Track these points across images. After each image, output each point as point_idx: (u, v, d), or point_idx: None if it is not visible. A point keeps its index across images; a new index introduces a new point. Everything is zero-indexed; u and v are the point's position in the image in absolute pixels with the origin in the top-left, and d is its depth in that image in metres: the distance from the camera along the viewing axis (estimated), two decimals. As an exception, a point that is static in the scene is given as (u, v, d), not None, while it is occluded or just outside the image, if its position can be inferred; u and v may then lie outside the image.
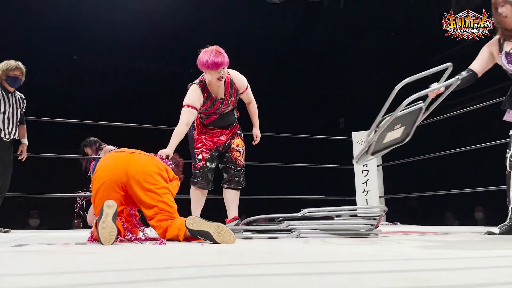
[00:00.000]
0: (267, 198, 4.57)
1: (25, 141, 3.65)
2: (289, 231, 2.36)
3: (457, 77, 2.32)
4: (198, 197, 2.93)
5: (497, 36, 2.53)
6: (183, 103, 2.81)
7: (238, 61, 3.18)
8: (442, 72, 2.09)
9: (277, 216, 2.46)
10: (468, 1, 4.92)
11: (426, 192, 4.83)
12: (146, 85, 7.68)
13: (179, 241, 2.11)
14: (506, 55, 2.46)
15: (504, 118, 2.58)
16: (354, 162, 2.22)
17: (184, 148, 2.88)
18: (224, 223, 2.69)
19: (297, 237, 2.33)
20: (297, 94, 8.37)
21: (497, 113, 2.62)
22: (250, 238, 2.37)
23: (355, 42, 7.75)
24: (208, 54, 2.67)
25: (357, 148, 4.73)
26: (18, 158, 3.61)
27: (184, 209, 2.66)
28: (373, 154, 2.10)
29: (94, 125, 4.62)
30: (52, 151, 4.24)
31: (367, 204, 4.62)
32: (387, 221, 4.56)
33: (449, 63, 2.04)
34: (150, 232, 2.43)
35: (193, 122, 2.90)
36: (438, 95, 2.20)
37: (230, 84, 2.86)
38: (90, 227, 4.29)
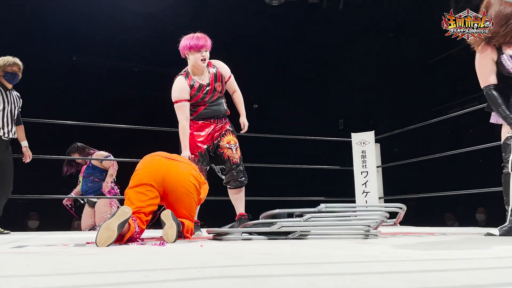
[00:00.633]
0: (267, 199, 4.56)
1: (25, 144, 3.53)
2: (289, 232, 2.36)
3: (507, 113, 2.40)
4: None
5: (486, 45, 2.47)
6: (173, 100, 2.87)
7: (237, 63, 3.18)
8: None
9: (294, 211, 2.47)
10: (468, 1, 4.93)
11: (425, 193, 4.82)
12: (146, 86, 7.69)
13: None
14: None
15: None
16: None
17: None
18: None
19: (297, 238, 2.33)
20: (296, 96, 8.37)
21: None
22: (250, 239, 2.38)
23: (354, 43, 7.75)
24: (190, 37, 2.85)
25: (356, 149, 4.72)
26: (23, 160, 3.54)
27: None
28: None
29: (94, 126, 4.62)
30: (51, 152, 4.23)
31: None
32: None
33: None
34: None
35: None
36: None
37: (213, 68, 2.94)
38: (90, 229, 4.29)
